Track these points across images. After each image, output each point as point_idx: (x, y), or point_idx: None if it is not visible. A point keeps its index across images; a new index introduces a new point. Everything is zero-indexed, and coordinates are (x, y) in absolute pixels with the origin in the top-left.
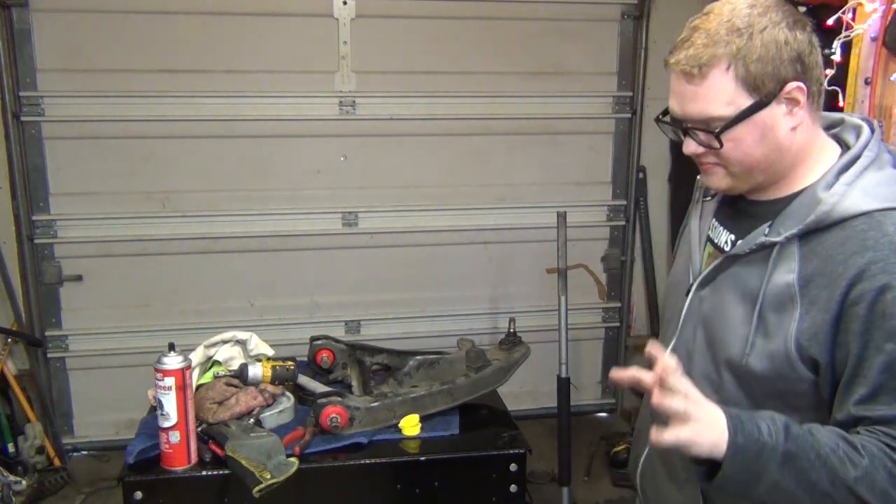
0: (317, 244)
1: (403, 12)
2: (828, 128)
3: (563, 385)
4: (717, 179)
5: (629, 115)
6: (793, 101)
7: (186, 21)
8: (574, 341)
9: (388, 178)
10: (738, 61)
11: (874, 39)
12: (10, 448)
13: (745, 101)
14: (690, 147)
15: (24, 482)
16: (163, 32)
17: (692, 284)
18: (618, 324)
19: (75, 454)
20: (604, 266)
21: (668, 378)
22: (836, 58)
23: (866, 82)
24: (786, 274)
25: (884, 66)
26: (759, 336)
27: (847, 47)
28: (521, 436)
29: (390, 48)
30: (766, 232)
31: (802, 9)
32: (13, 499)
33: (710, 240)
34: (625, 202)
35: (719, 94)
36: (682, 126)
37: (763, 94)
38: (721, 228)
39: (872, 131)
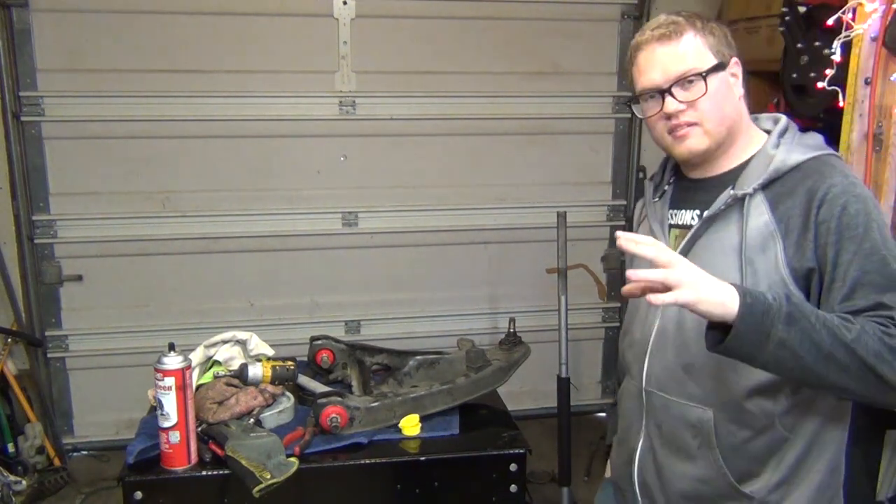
0: (317, 244)
1: (403, 12)
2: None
3: (563, 385)
4: (696, 140)
5: (629, 115)
6: (735, 75)
7: (187, 21)
8: (574, 341)
9: (388, 178)
10: (702, 31)
11: (874, 39)
12: (10, 448)
13: (713, 61)
14: (672, 105)
15: (24, 482)
16: (163, 32)
17: None
18: (618, 324)
19: (75, 454)
20: (604, 266)
21: (659, 258)
22: (836, 58)
23: (866, 82)
24: (759, 217)
25: (884, 66)
26: (750, 276)
27: (847, 47)
28: (521, 436)
29: (390, 48)
30: (731, 193)
31: (802, 9)
32: (13, 499)
33: (672, 226)
34: (625, 202)
35: (695, 51)
36: (662, 91)
37: (721, 59)
38: (682, 212)
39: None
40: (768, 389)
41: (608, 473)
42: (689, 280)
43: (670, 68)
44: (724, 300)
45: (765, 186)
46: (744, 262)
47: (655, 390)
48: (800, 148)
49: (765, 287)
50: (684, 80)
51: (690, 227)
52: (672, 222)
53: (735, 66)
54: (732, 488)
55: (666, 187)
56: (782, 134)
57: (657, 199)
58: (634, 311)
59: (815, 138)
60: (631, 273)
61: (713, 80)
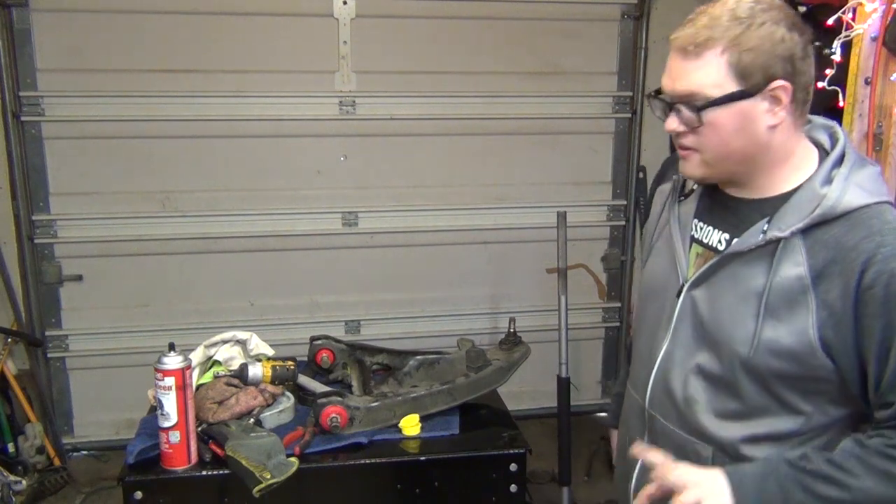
0: (317, 244)
1: (403, 12)
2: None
3: (563, 385)
4: (692, 167)
5: (629, 115)
6: (776, 100)
7: (186, 21)
8: (574, 341)
9: (388, 178)
10: (733, 48)
11: (874, 39)
12: (10, 448)
13: (732, 88)
14: (672, 124)
15: (24, 482)
16: (163, 32)
17: (683, 285)
18: (618, 324)
19: (75, 454)
20: (604, 266)
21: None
22: (836, 58)
23: (866, 82)
24: (793, 268)
25: (884, 66)
26: (769, 329)
27: (847, 47)
28: (521, 436)
29: (390, 48)
30: (764, 228)
31: (802, 8)
32: (13, 499)
33: (695, 240)
34: (625, 202)
35: (709, 75)
36: (668, 102)
37: (749, 84)
38: (710, 228)
39: (844, 133)
40: (774, 438)
41: None
42: (700, 490)
43: (677, 85)
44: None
45: (805, 230)
46: (762, 312)
47: (658, 416)
48: (855, 190)
49: (786, 351)
50: (688, 103)
51: (715, 249)
52: (696, 236)
53: (779, 91)
54: None
55: (694, 186)
56: (837, 164)
57: (683, 198)
58: (643, 315)
59: (872, 173)
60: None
61: (719, 111)
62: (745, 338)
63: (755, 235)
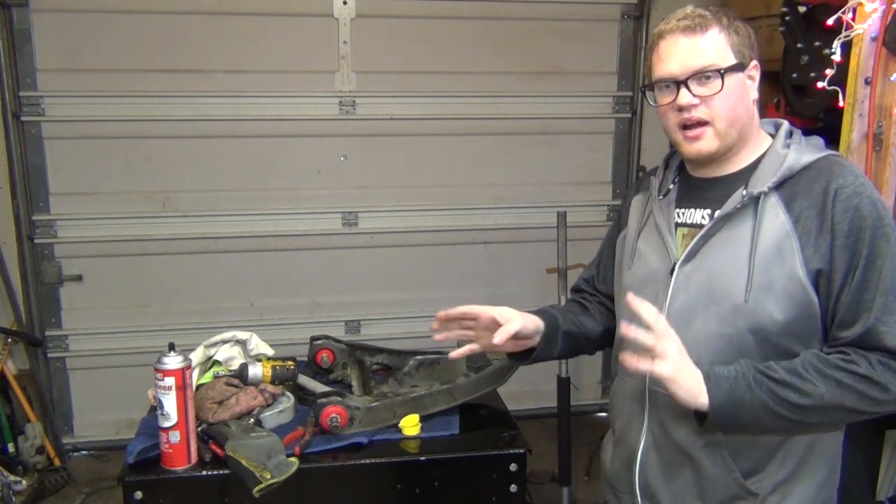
0: (317, 244)
1: (403, 12)
2: None
3: (563, 385)
4: (707, 142)
5: (629, 115)
6: (752, 78)
7: (186, 21)
8: None
9: (388, 178)
10: (728, 29)
11: (874, 39)
12: (10, 448)
13: (732, 60)
14: (685, 98)
15: (24, 482)
16: (163, 32)
17: (675, 265)
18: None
19: (75, 454)
20: None
21: (656, 326)
22: (836, 58)
23: (866, 82)
24: (775, 218)
25: (884, 66)
26: (762, 274)
27: (847, 47)
28: (521, 436)
29: (390, 48)
30: (743, 193)
31: (802, 9)
32: (13, 499)
33: (679, 224)
34: None
35: (718, 48)
36: (678, 82)
37: (741, 59)
38: (691, 210)
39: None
40: None
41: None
42: (674, 357)
43: (690, 61)
44: (695, 392)
45: (778, 186)
46: (753, 261)
47: (660, 389)
48: (809, 148)
49: (781, 293)
50: (701, 75)
51: (701, 226)
52: (679, 221)
53: (754, 70)
54: (739, 486)
55: (671, 185)
56: (789, 136)
57: (662, 196)
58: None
59: (819, 141)
60: (626, 329)
61: (730, 79)
62: (740, 287)
63: (737, 199)
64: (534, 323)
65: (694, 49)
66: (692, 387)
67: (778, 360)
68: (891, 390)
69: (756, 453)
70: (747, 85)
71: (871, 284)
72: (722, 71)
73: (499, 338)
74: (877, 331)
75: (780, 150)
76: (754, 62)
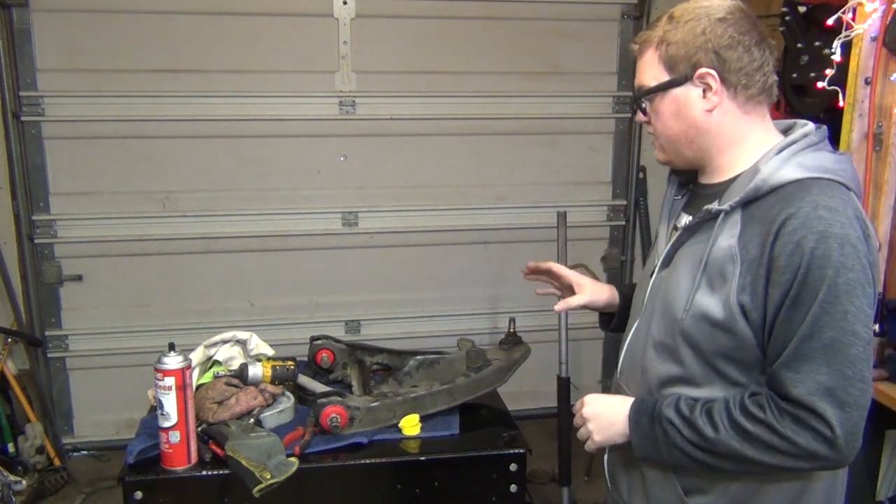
0: (317, 244)
1: (403, 12)
2: (784, 131)
3: (563, 385)
4: (657, 152)
5: (629, 115)
6: (707, 86)
7: (186, 21)
8: (574, 341)
9: (388, 178)
10: (662, 44)
11: (874, 39)
12: (10, 448)
13: (664, 78)
14: (639, 116)
15: (24, 482)
16: (163, 32)
17: (654, 268)
18: None
19: (75, 454)
20: (604, 266)
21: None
22: (836, 58)
23: (866, 82)
24: (728, 238)
25: (884, 66)
26: (702, 295)
27: (847, 47)
28: (521, 436)
29: (390, 48)
30: (710, 206)
31: (802, 8)
32: (13, 499)
33: (675, 228)
34: (625, 202)
35: (649, 70)
36: (634, 99)
37: (677, 73)
38: (685, 216)
39: (818, 128)
40: None
41: None
42: (594, 424)
43: (635, 82)
44: (624, 436)
45: (745, 205)
46: (698, 279)
47: (624, 385)
48: (792, 167)
49: (716, 317)
50: (643, 98)
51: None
52: (678, 224)
53: (707, 77)
54: (680, 500)
55: (692, 185)
56: (784, 147)
57: (679, 196)
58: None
59: (823, 156)
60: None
61: (662, 97)
62: (681, 303)
63: (705, 212)
64: (607, 295)
65: (637, 71)
66: (622, 434)
67: (721, 382)
68: (799, 445)
69: (702, 474)
70: (693, 97)
71: (794, 325)
72: (648, 92)
73: (559, 307)
74: (782, 376)
75: (760, 164)
76: (701, 69)
